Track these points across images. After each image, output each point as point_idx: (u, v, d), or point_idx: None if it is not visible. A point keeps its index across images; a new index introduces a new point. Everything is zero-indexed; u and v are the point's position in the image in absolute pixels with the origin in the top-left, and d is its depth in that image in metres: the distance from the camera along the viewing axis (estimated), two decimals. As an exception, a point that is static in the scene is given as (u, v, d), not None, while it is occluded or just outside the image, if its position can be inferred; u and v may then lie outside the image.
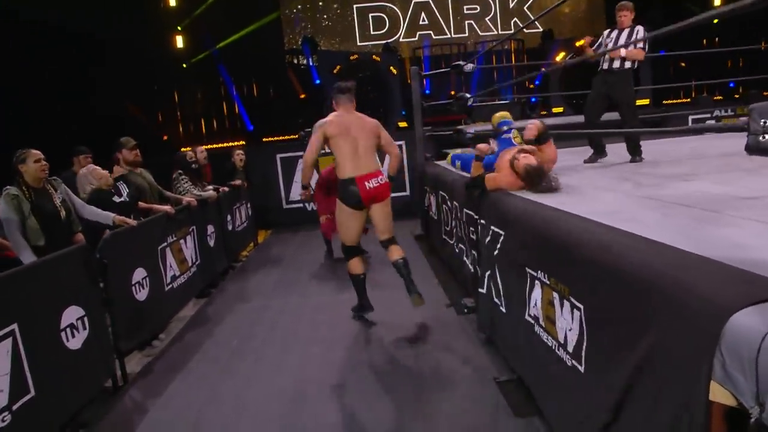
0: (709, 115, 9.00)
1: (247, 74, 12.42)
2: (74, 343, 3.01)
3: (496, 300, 3.30)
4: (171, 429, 2.98)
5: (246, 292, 5.47)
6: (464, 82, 12.53)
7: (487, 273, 3.51)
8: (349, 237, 4.15)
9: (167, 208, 4.52)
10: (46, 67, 10.23)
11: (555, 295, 2.23)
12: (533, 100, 11.52)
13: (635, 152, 4.83)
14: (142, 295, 3.92)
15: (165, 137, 11.96)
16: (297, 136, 8.98)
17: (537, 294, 2.51)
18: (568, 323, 2.07)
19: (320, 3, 14.04)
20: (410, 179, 8.75)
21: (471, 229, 4.03)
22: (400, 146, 8.78)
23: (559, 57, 11.19)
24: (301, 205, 8.79)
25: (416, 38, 14.29)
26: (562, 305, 2.15)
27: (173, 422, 3.03)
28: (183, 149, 7.09)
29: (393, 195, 8.72)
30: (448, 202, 4.94)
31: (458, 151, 4.46)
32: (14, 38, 9.90)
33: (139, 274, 3.92)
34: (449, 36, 14.41)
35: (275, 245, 7.59)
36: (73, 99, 10.36)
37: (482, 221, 3.58)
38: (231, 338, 4.21)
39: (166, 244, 4.47)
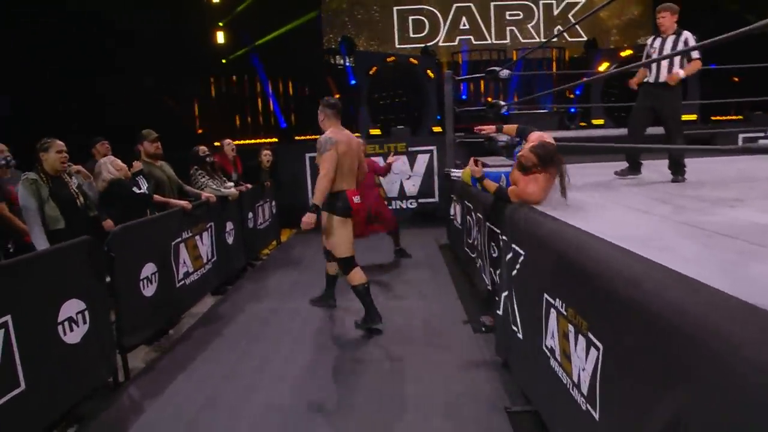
0: (762, 134, 8.46)
1: (284, 72, 12.42)
2: (72, 337, 2.93)
3: (512, 324, 3.08)
4: (164, 431, 2.87)
5: (262, 291, 5.37)
6: (502, 90, 12.24)
7: (504, 294, 3.29)
8: (345, 248, 4.09)
9: (183, 203, 4.44)
10: (88, 60, 10.45)
11: (571, 328, 2.00)
12: (572, 110, 11.11)
13: (677, 171, 4.49)
14: (150, 290, 3.84)
15: (200, 131, 12.06)
16: (326, 136, 8.91)
17: (553, 324, 2.29)
18: (583, 362, 1.85)
19: (360, 4, 13.96)
20: (439, 185, 8.55)
21: (492, 244, 3.81)
22: (431, 151, 8.64)
23: (602, 67, 10.76)
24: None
25: (456, 43, 14.06)
26: (577, 340, 1.92)
27: (168, 424, 2.93)
28: (216, 143, 7.06)
29: (422, 200, 8.74)
30: (473, 214, 4.72)
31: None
32: (58, 28, 10.14)
33: (149, 269, 3.84)
34: (490, 42, 14.12)
35: (298, 245, 7.49)
36: (111, 92, 10.53)
37: (504, 237, 3.36)
38: (239, 339, 4.10)
39: (180, 239, 4.39)
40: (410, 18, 14.13)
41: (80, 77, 10.48)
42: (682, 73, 4.41)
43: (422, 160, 8.64)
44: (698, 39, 4.39)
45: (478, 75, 7.63)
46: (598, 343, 1.73)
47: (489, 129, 4.17)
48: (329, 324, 4.36)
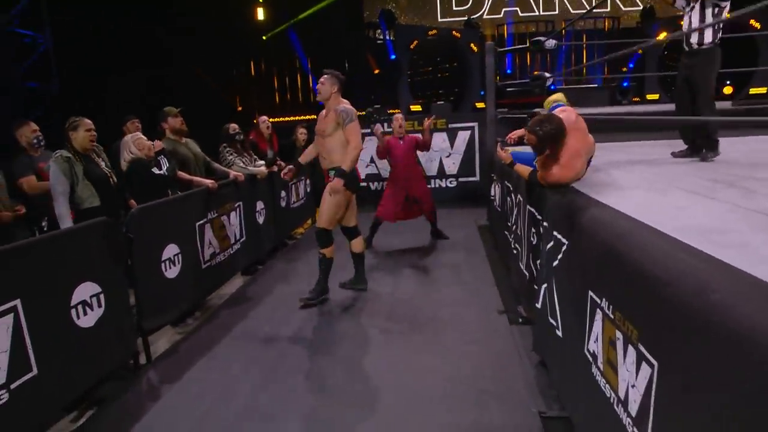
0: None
1: (323, 48, 12.17)
2: (86, 320, 2.84)
3: (551, 320, 2.79)
4: (178, 417, 2.77)
5: (291, 273, 5.23)
6: (550, 64, 11.62)
7: (544, 286, 3.00)
8: (331, 220, 4.20)
9: (209, 182, 4.30)
10: (124, 35, 10.50)
11: (619, 335, 1.72)
12: (625, 84, 10.43)
13: (710, 146, 4.02)
14: (173, 272, 3.73)
15: (239, 108, 12.02)
16: (363, 112, 8.65)
17: (598, 327, 2.00)
18: (632, 377, 1.57)
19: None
20: (480, 163, 8.18)
21: (532, 230, 3.50)
22: (472, 128, 8.26)
23: (661, 37, 10.00)
24: (364, 184, 8.46)
25: (501, 15, 13.43)
26: (626, 351, 1.64)
27: (183, 410, 2.83)
28: (255, 120, 6.96)
29: (462, 179, 8.40)
30: (513, 195, 4.39)
31: (518, 148, 3.89)
32: (106, 7, 10.20)
33: (171, 250, 3.73)
34: (537, 13, 13.42)
35: (332, 225, 7.32)
36: (150, 67, 10.57)
37: (545, 224, 3.05)
38: (264, 324, 3.97)
39: (205, 220, 4.27)
40: (454, -11, 13.57)
41: (123, 58, 10.57)
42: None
43: (463, 137, 8.28)
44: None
45: (521, 46, 7.16)
46: (653, 360, 1.45)
47: (517, 135, 3.96)
48: (355, 309, 4.17)
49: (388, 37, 11.54)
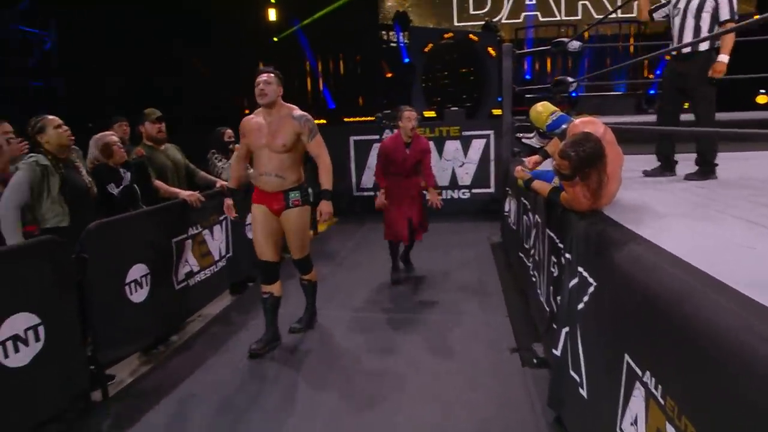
0: None
1: (335, 50, 11.76)
2: (17, 359, 2.40)
3: (573, 374, 2.29)
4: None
5: (285, 291, 4.76)
6: (572, 69, 11.06)
7: (566, 330, 2.49)
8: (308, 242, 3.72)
9: (186, 194, 3.86)
10: (133, 37, 10.22)
11: (670, 429, 1.22)
12: (651, 92, 9.82)
13: (706, 165, 3.58)
14: (139, 295, 3.29)
15: (246, 111, 11.65)
16: (374, 118, 8.21)
17: (638, 405, 1.50)
18: None
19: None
20: (495, 174, 7.66)
21: (553, 259, 2.99)
22: (487, 136, 7.74)
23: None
24: (372, 193, 8.00)
25: (521, 20, 12.91)
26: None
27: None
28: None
29: (476, 190, 7.88)
30: (530, 214, 3.89)
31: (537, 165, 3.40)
32: (115, 6, 9.92)
33: (137, 271, 3.29)
34: (559, 18, 12.87)
35: (335, 237, 6.86)
36: (157, 71, 10.27)
37: (568, 255, 2.55)
38: (243, 354, 3.51)
39: (184, 236, 3.83)
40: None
41: (131, 57, 10.29)
42: (725, 59, 3.43)
43: (477, 146, 7.76)
44: None
45: (542, 48, 6.64)
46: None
47: (534, 161, 3.41)
48: (347, 341, 3.70)
49: (402, 40, 11.08)
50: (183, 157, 4.36)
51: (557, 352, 2.60)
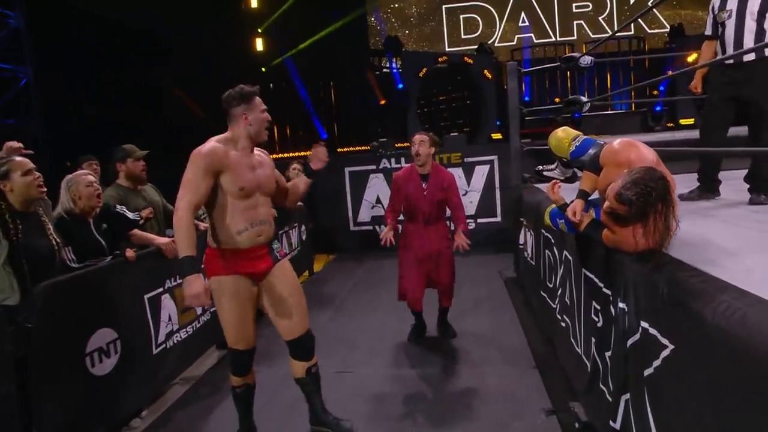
0: None
1: (326, 78, 11.44)
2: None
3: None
4: None
5: (275, 347, 4.21)
6: (571, 89, 10.75)
7: (626, 398, 2.01)
8: None
9: (163, 241, 3.36)
10: (123, 69, 9.89)
11: None
12: (658, 108, 9.48)
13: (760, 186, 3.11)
14: (104, 367, 2.77)
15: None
16: (369, 147, 7.80)
17: None
18: None
19: (405, 3, 12.86)
20: (501, 201, 7.21)
21: (594, 305, 2.50)
22: (491, 162, 7.32)
23: (692, 58, 9.10)
24: (370, 227, 7.54)
25: (514, 42, 12.69)
26: None
27: None
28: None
29: (481, 220, 7.42)
30: (554, 250, 3.40)
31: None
32: (95, 39, 9.60)
33: (102, 337, 2.77)
34: (554, 39, 12.66)
35: (333, 277, 6.35)
36: (144, 102, 9.90)
37: (623, 305, 2.06)
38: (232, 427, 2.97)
39: (161, 290, 3.32)
40: (461, 17, 12.91)
41: (118, 90, 9.92)
42: None
43: (481, 173, 7.33)
44: None
45: (549, 65, 6.27)
46: None
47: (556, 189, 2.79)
48: (352, 402, 3.17)
49: (394, 66, 10.77)
50: (161, 198, 3.90)
51: (616, 425, 2.10)
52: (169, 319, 3.38)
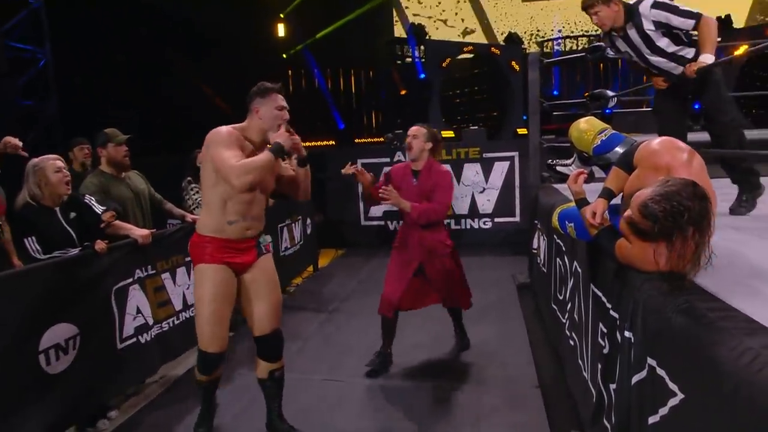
0: None
1: (346, 67, 11.13)
2: None
3: None
4: None
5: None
6: (604, 82, 10.21)
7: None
8: None
9: (141, 233, 3.13)
10: (146, 57, 9.82)
11: None
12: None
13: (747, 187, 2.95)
14: (60, 364, 2.56)
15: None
16: (383, 139, 7.50)
17: None
18: None
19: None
20: (521, 201, 6.82)
21: (601, 327, 2.16)
22: (511, 158, 6.94)
23: (740, 51, 8.43)
24: (382, 222, 7.25)
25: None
26: None
27: None
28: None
29: (498, 219, 7.05)
30: (565, 259, 3.06)
31: (569, 204, 2.42)
32: (113, 22, 9.53)
33: (59, 332, 2.57)
34: (589, 31, 12.07)
35: (338, 273, 6.09)
36: (162, 88, 9.81)
37: (627, 333, 1.74)
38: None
39: (130, 280, 3.10)
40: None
41: (137, 75, 9.86)
42: (709, 58, 2.84)
43: (500, 169, 6.95)
44: None
45: (573, 55, 5.84)
46: None
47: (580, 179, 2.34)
48: (340, 417, 2.90)
49: (416, 55, 10.39)
50: (148, 186, 3.68)
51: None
52: (138, 312, 3.15)
